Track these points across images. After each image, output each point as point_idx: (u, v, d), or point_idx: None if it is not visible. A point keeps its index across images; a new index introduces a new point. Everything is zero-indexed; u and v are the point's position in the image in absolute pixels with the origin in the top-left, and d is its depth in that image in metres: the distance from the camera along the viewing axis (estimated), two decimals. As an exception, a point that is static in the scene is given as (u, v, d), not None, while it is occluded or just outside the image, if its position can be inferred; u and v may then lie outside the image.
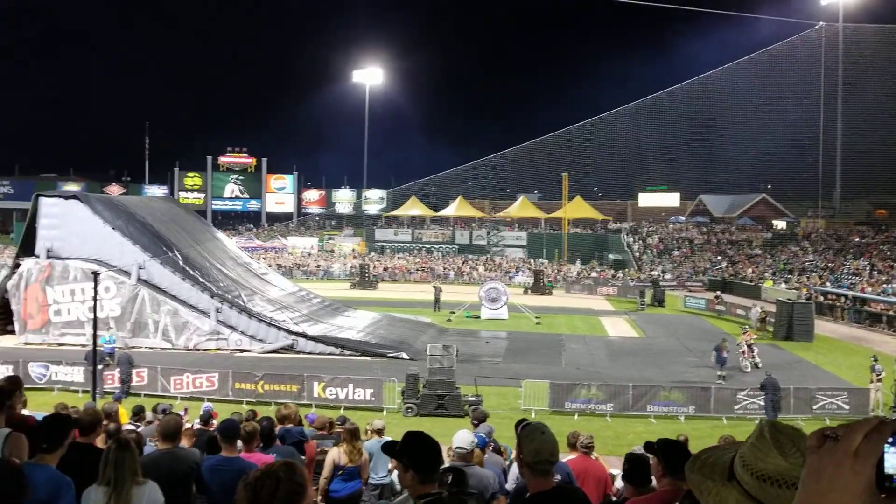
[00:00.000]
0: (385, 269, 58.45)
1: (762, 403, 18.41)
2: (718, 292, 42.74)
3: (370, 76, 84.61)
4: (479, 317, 35.74)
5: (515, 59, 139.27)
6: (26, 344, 25.83)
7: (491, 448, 9.52)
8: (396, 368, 21.95)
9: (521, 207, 72.37)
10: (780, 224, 66.27)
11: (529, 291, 47.61)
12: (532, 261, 63.14)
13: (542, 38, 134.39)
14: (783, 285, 45.44)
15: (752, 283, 47.86)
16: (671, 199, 74.02)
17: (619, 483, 7.69)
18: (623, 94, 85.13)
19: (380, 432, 9.97)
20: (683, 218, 71.00)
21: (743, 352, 24.62)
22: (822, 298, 40.13)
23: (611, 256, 64.19)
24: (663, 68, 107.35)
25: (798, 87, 69.94)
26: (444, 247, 69.36)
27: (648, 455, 4.62)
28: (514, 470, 7.39)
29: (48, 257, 26.65)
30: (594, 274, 56.97)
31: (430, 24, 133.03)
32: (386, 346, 26.24)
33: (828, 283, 44.58)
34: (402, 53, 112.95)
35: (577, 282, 52.69)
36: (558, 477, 4.68)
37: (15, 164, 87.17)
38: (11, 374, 17.12)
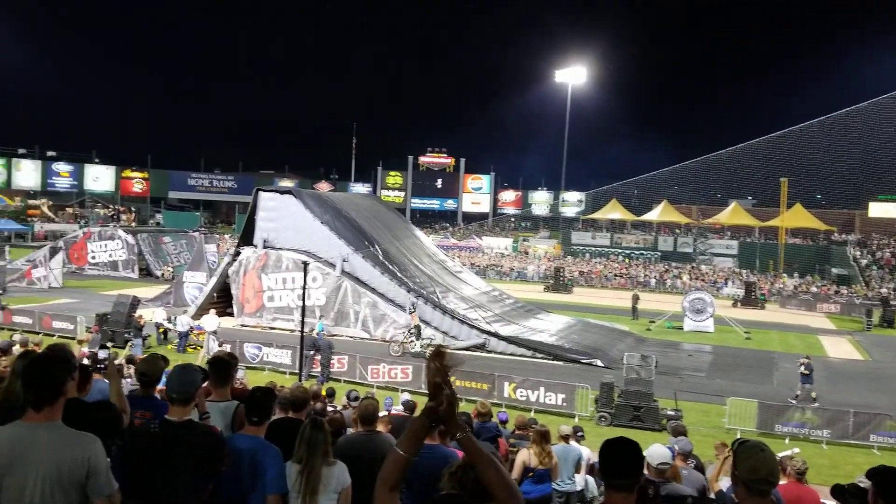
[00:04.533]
0: (581, 274, 57.13)
1: None
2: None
3: (573, 75, 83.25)
4: (681, 328, 33.71)
5: (727, 55, 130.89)
6: (242, 326, 27.88)
7: (693, 465, 8.82)
8: (590, 375, 21.16)
9: (733, 214, 67.53)
10: None
11: (739, 304, 44.71)
12: (743, 272, 59.06)
13: (762, 29, 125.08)
14: None
15: None
16: (908, 210, 65.57)
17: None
18: (857, 92, 76.74)
19: (568, 438, 9.52)
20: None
21: None
22: None
23: (833, 271, 58.07)
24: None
25: None
26: (645, 253, 66.63)
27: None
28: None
29: (264, 247, 28.57)
30: (814, 289, 51.86)
31: (636, 21, 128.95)
32: (580, 352, 25.30)
33: None
34: (606, 52, 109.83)
35: (793, 296, 48.56)
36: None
37: (238, 161, 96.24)
38: (229, 352, 18.38)
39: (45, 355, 3.38)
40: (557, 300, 42.85)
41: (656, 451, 5.87)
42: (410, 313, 25.83)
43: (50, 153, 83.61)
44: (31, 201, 76.08)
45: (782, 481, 6.98)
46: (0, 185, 75.37)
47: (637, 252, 67.04)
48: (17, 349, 11.15)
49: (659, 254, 66.18)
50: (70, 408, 3.48)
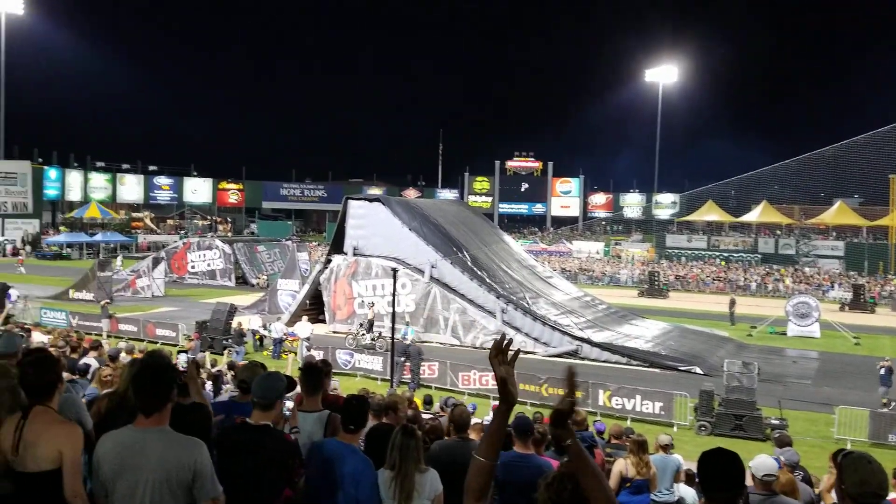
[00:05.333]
0: (676, 278, 55.53)
1: None
2: None
3: (664, 75, 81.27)
4: (784, 333, 32.25)
5: (830, 47, 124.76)
6: (334, 332, 28.33)
7: (800, 477, 8.63)
8: (689, 383, 20.53)
9: (838, 214, 64.26)
10: None
11: (847, 308, 42.53)
12: (850, 274, 56.12)
13: (868, 19, 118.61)
14: None
15: None
16: None
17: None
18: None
19: (666, 448, 9.24)
20: None
21: None
22: None
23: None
24: None
25: None
26: (744, 255, 64.19)
27: None
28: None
29: (354, 254, 29.03)
30: (931, 291, 48.66)
31: (731, 15, 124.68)
32: (677, 359, 24.52)
33: None
34: (699, 49, 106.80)
35: (906, 299, 45.61)
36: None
37: (328, 171, 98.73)
38: (323, 358, 18.74)
39: (156, 364, 3.46)
40: (652, 305, 41.80)
41: (762, 462, 5.63)
42: (370, 307, 27.21)
43: (151, 167, 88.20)
44: (134, 214, 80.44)
45: (892, 495, 6.61)
46: (106, 199, 79.85)
47: (736, 255, 64.71)
48: (123, 356, 11.66)
49: (759, 256, 63.73)
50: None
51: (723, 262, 62.75)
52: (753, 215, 67.51)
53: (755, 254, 64.22)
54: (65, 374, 6.28)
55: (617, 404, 18.35)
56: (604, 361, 24.68)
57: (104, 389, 6.70)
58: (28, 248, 63.50)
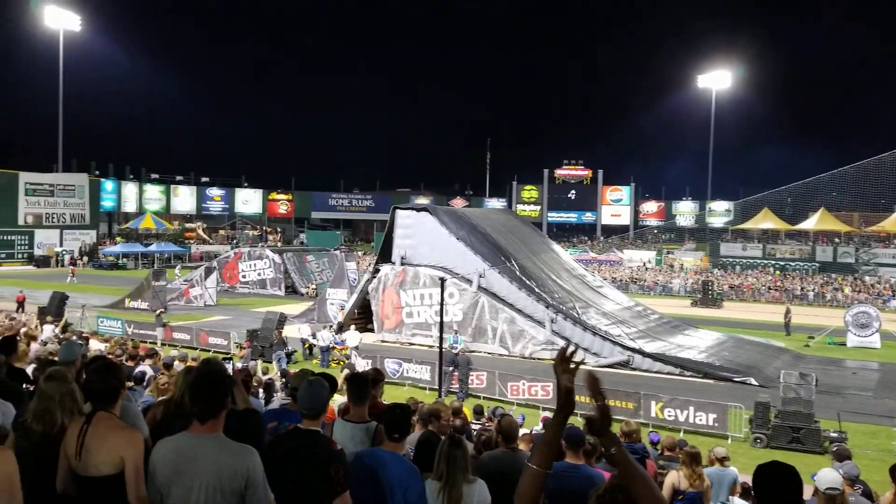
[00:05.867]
0: (731, 287, 54.36)
1: None
2: None
3: (717, 80, 79.91)
4: (844, 344, 31.27)
5: (889, 48, 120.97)
6: (382, 342, 28.49)
7: (860, 491, 8.26)
8: (743, 394, 20.04)
9: (900, 221, 62.19)
10: None
11: (909, 318, 40.61)
12: (913, 283, 53.96)
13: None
14: None
15: None
16: None
17: None
18: None
19: (722, 461, 9.07)
20: None
21: None
22: None
23: None
24: None
25: None
26: (801, 264, 62.48)
27: None
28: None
29: (402, 264, 29.14)
30: None
31: (785, 19, 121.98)
32: (732, 370, 23.95)
33: None
34: (753, 54, 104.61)
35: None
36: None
37: (376, 181, 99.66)
38: (375, 367, 18.88)
39: (212, 372, 3.52)
40: (706, 315, 41.04)
41: (826, 475, 5.39)
42: (340, 309, 28.45)
43: (204, 179, 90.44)
44: (187, 224, 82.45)
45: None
46: (160, 210, 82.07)
47: (792, 263, 63.02)
48: (177, 364, 11.91)
49: (816, 265, 61.92)
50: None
51: (778, 272, 61.19)
52: (811, 223, 65.75)
53: (813, 262, 62.45)
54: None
55: (669, 416, 18.00)
56: (656, 372, 24.25)
57: (160, 397, 6.85)
58: (84, 258, 65.66)
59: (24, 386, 6.07)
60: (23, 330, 17.13)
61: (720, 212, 79.34)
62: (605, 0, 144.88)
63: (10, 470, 3.21)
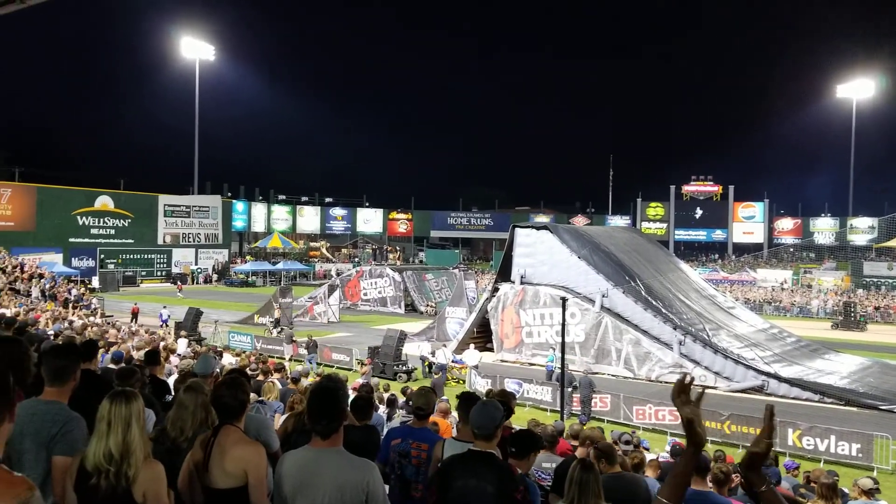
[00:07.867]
0: (876, 309, 50.56)
1: None
2: None
3: (858, 89, 74.98)
4: None
5: None
6: (502, 361, 28.30)
7: None
8: (890, 423, 18.51)
9: None
10: None
11: None
12: None
13: None
14: None
15: None
16: None
17: None
18: None
19: (870, 493, 8.33)
20: None
21: None
22: None
23: None
24: None
25: None
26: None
27: None
28: None
29: (521, 283, 28.89)
30: None
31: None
32: (878, 397, 22.14)
33: None
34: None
35: None
36: None
37: (494, 199, 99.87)
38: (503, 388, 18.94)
39: (331, 387, 3.55)
40: (848, 338, 38.55)
41: None
42: (277, 308, 32.05)
43: (327, 200, 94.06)
44: (312, 244, 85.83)
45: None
46: (287, 230, 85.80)
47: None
48: (303, 380, 12.26)
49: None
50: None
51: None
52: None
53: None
54: (252, 395, 6.70)
55: (808, 444, 16.82)
56: (793, 398, 22.75)
57: (289, 411, 7.07)
58: (216, 275, 69.58)
59: (165, 397, 6.43)
60: (162, 344, 18.30)
61: (863, 228, 74.20)
62: (736, 7, 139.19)
63: (160, 479, 3.33)
